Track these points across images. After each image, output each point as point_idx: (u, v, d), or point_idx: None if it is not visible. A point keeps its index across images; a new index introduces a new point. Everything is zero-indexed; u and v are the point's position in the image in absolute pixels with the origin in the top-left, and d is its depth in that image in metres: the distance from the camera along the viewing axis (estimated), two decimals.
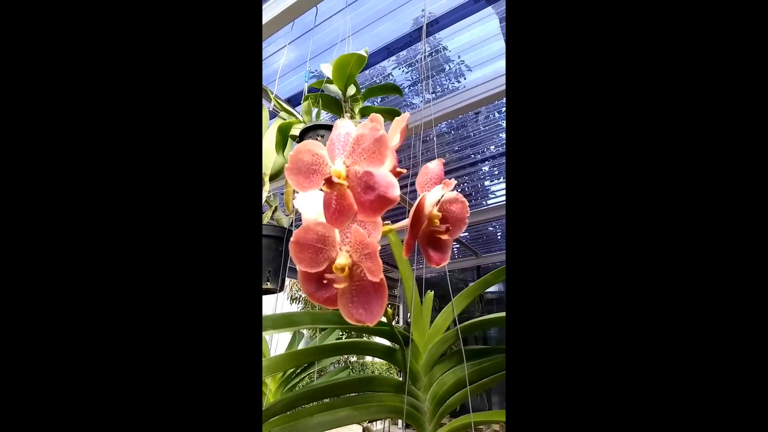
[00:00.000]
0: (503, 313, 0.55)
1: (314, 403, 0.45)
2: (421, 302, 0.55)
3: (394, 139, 0.41)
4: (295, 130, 0.74)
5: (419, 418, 0.50)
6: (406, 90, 1.46)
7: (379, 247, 0.32)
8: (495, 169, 1.94)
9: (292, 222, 0.83)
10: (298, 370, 0.82)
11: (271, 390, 0.82)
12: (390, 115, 0.89)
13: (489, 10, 1.18)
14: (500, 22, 1.20)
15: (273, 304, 0.83)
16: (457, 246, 2.75)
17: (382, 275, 0.33)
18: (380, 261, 0.32)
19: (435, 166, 0.39)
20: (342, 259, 0.35)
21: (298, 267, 0.37)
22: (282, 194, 0.88)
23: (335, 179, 0.34)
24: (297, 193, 0.44)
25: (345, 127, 0.37)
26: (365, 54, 0.65)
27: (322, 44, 1.26)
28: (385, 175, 0.35)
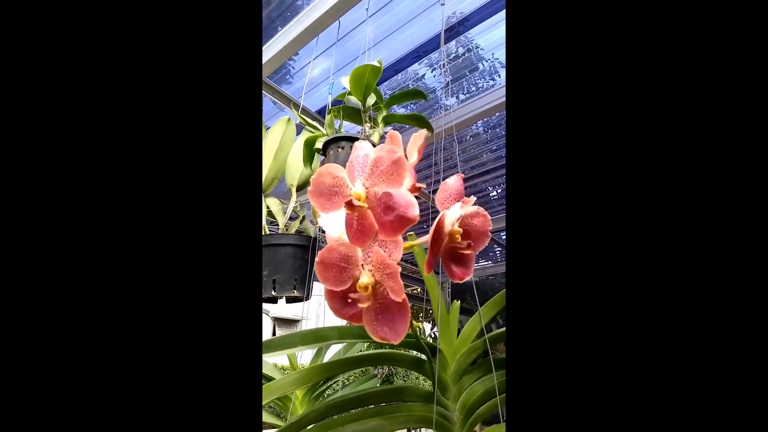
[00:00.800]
0: None
1: (344, 413, 0.46)
2: (448, 311, 0.55)
3: (412, 156, 0.42)
4: (320, 143, 0.76)
5: (449, 427, 0.50)
6: (439, 92, 1.44)
7: (400, 269, 0.33)
8: None
9: (318, 231, 0.85)
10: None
11: (298, 397, 0.84)
12: (416, 121, 0.90)
13: None
14: None
15: (305, 310, 0.86)
16: (499, 249, 2.69)
17: (404, 295, 0.34)
18: (401, 281, 0.33)
19: (454, 181, 0.39)
20: (365, 279, 0.36)
21: (324, 285, 0.39)
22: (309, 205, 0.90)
23: (356, 202, 0.35)
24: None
25: (363, 149, 0.38)
26: (379, 64, 0.66)
27: (349, 54, 1.27)
28: (404, 194, 0.36)
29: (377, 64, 0.66)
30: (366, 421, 0.46)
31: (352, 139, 0.72)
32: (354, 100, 0.78)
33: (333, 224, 0.44)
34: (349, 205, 0.35)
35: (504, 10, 1.16)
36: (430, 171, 1.35)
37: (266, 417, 0.86)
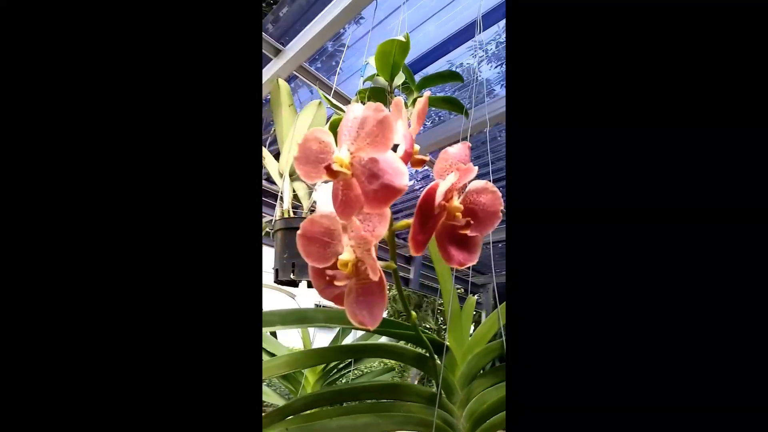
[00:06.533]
0: None
1: (335, 405, 0.43)
2: (461, 306, 0.50)
3: (412, 123, 0.37)
4: None
5: None
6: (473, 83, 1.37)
7: (375, 243, 0.28)
8: None
9: None
10: (341, 365, 0.81)
11: (309, 383, 0.81)
12: (449, 105, 0.84)
13: None
14: None
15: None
16: None
17: (380, 273, 0.29)
18: (375, 258, 0.28)
19: (457, 150, 0.34)
20: (345, 255, 0.32)
21: (307, 262, 0.35)
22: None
23: (335, 167, 0.31)
24: (315, 185, 0.43)
25: (353, 111, 0.34)
26: (405, 39, 0.61)
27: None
28: (391, 160, 0.31)
29: (403, 39, 0.62)
30: (357, 417, 0.42)
31: None
32: (381, 81, 0.74)
33: (327, 197, 0.40)
34: (329, 171, 0.31)
35: None
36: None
37: (273, 398, 0.85)
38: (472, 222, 0.33)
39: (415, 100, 0.80)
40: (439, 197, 0.31)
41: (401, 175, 0.31)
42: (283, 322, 0.38)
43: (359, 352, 0.47)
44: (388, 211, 0.32)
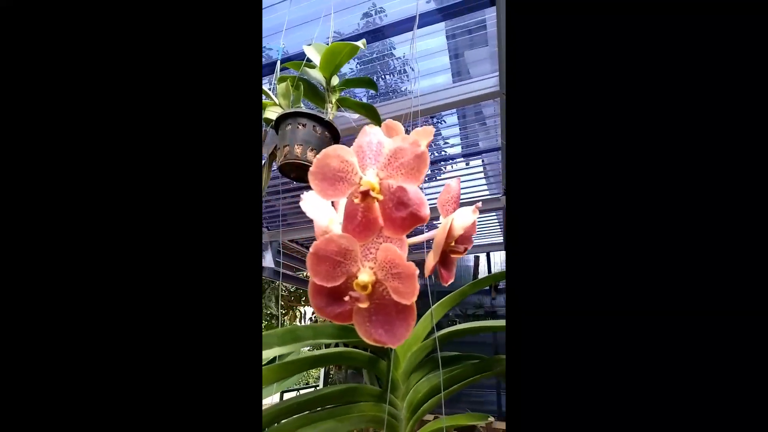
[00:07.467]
0: (480, 323, 0.57)
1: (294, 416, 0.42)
2: None
3: None
4: (270, 113, 0.68)
5: (396, 426, 0.50)
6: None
7: (418, 271, 0.31)
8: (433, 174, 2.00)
9: None
10: None
11: None
12: (365, 110, 0.87)
13: (440, 25, 1.19)
14: (447, 39, 1.22)
15: None
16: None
17: (415, 299, 0.32)
18: (417, 284, 0.31)
19: (456, 185, 0.39)
20: (365, 276, 0.33)
21: (311, 279, 0.35)
22: None
23: (372, 193, 0.32)
24: (303, 194, 0.41)
25: (375, 135, 0.35)
26: (363, 46, 0.62)
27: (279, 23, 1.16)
28: (416, 192, 0.34)
29: (360, 45, 0.62)
30: (319, 424, 0.43)
31: (313, 118, 0.66)
32: (316, 75, 0.71)
33: (320, 209, 0.39)
34: (364, 195, 0.32)
35: (423, 28, 1.19)
36: None
37: None
38: (468, 247, 0.38)
39: (339, 100, 0.80)
40: (458, 230, 0.35)
41: (425, 206, 0.34)
42: (280, 342, 0.35)
43: (321, 362, 0.47)
44: (404, 237, 0.35)
